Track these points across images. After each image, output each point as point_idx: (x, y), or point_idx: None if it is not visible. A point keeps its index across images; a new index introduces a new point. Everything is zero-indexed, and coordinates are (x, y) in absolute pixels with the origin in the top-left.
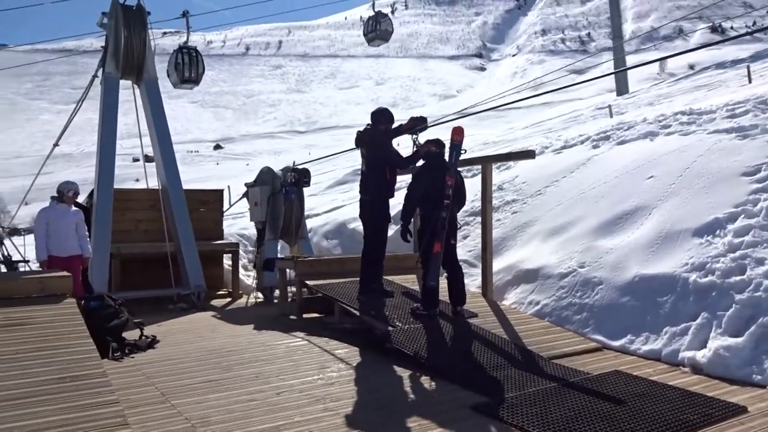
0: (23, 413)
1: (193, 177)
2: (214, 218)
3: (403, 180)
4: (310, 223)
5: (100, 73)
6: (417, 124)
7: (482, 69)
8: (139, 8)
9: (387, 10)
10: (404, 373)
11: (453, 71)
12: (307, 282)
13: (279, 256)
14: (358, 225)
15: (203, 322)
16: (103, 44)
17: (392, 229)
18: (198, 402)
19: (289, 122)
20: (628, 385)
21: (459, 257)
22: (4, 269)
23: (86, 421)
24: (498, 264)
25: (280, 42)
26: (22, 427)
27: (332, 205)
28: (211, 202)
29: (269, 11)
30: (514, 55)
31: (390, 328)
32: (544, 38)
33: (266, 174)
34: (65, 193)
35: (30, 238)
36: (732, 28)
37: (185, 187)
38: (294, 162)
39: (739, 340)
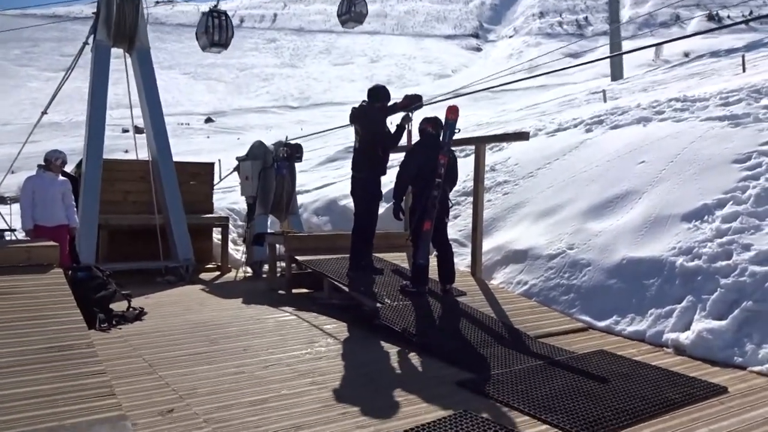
0: (9, 382)
1: (183, 150)
2: (205, 191)
3: (396, 158)
4: (300, 200)
5: (90, 40)
6: (412, 103)
7: (478, 49)
8: None
9: None
10: (392, 349)
11: (449, 51)
12: (297, 257)
13: (269, 231)
14: (349, 202)
15: (191, 296)
16: (95, 11)
17: (383, 207)
18: (185, 374)
19: (282, 97)
20: (612, 365)
21: (449, 236)
22: None
23: (73, 390)
24: (488, 244)
25: (275, 15)
26: (8, 395)
27: (323, 182)
28: (201, 175)
29: None
30: (510, 37)
31: (378, 305)
32: (542, 20)
33: (258, 148)
34: (53, 161)
35: (16, 207)
36: (728, 17)
37: (175, 159)
38: (286, 137)
39: (723, 323)
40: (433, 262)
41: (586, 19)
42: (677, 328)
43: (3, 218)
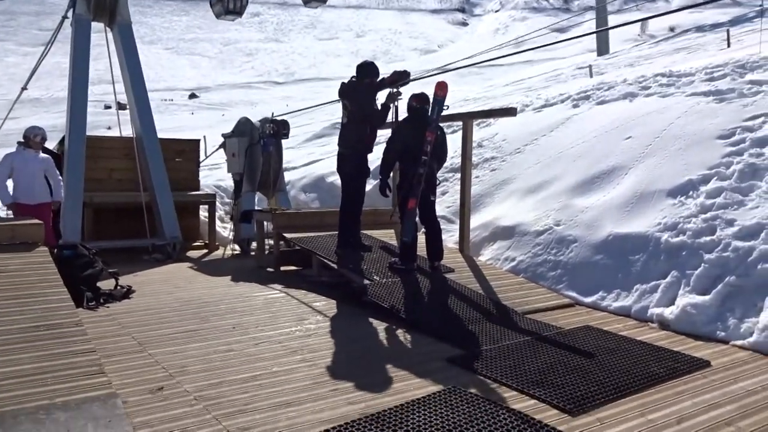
0: None
1: (167, 126)
2: (190, 169)
3: (383, 134)
4: (287, 176)
5: (70, 14)
6: (400, 78)
7: (464, 24)
8: None
9: None
10: (381, 326)
11: (435, 25)
12: (285, 235)
13: (256, 208)
14: (336, 179)
15: (179, 273)
16: None
17: (371, 184)
18: (175, 352)
19: (267, 72)
20: (598, 340)
21: (437, 213)
22: None
23: (63, 369)
24: (475, 220)
25: None
26: None
27: (310, 158)
28: (187, 152)
29: None
30: (497, 11)
31: (367, 282)
32: None
33: (244, 125)
34: (31, 137)
35: None
36: None
37: (159, 136)
38: (272, 113)
39: (706, 298)
40: (421, 239)
41: None
42: (662, 304)
43: None
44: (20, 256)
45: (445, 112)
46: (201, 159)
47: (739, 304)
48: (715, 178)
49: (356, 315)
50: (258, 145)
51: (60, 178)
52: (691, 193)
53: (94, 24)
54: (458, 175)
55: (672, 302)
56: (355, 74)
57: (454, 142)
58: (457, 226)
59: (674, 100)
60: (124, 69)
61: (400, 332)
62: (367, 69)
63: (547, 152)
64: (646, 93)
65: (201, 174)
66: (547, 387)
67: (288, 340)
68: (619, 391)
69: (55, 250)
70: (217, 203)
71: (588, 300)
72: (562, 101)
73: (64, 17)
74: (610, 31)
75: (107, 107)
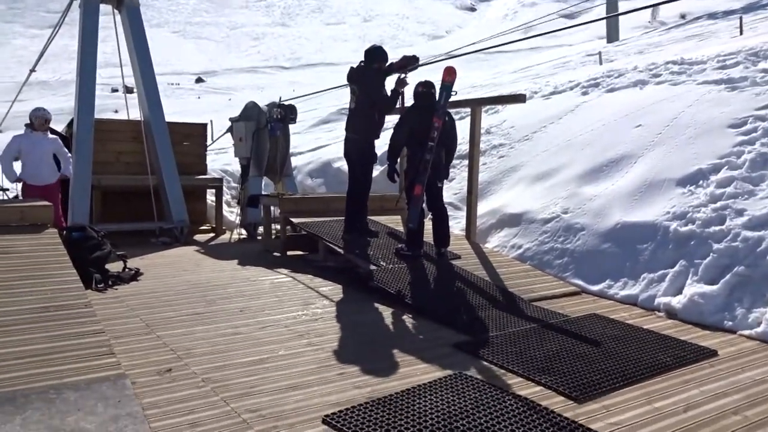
0: (7, 341)
1: (173, 110)
2: (198, 152)
3: (391, 120)
4: (294, 162)
5: None
6: (409, 63)
7: (472, 9)
8: None
9: None
10: (387, 311)
11: (442, 10)
12: (292, 219)
13: (263, 192)
14: (343, 164)
15: (187, 257)
16: None
17: (378, 170)
18: (183, 334)
19: (273, 57)
20: (604, 328)
21: (445, 200)
22: None
23: (72, 349)
24: (483, 207)
25: None
26: (7, 354)
27: (316, 143)
28: (194, 136)
29: None
30: None
31: (373, 267)
32: None
33: (251, 109)
34: (34, 120)
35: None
36: None
37: (167, 120)
38: (279, 98)
39: (714, 287)
40: (428, 225)
41: None
42: (669, 293)
43: None
44: (30, 237)
45: (453, 98)
46: (208, 143)
47: (748, 294)
48: (726, 167)
49: (362, 300)
50: (265, 129)
51: (69, 155)
52: (701, 182)
53: (102, 6)
54: (466, 162)
55: (679, 291)
56: (363, 59)
57: (462, 129)
58: (464, 213)
59: (685, 88)
60: (132, 52)
61: (406, 318)
62: (375, 54)
63: (555, 140)
64: (656, 81)
65: (208, 158)
66: (553, 374)
67: (294, 324)
68: (625, 378)
69: (64, 232)
70: (224, 187)
71: (595, 288)
72: (571, 88)
73: None
74: (620, 18)
75: (114, 90)
